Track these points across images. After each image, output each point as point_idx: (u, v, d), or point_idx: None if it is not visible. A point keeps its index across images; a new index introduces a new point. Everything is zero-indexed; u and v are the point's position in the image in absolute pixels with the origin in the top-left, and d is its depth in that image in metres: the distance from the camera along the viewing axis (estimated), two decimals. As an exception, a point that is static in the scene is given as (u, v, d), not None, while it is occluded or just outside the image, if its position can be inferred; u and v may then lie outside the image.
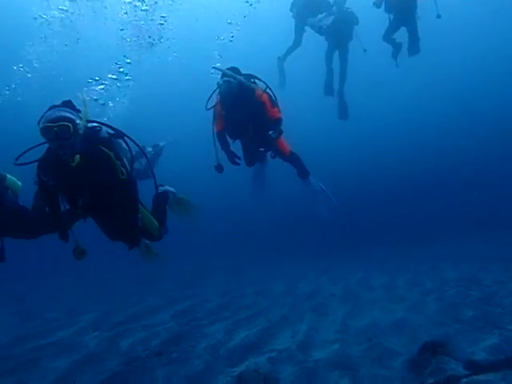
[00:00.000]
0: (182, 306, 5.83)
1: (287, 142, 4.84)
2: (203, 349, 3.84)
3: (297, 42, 9.14)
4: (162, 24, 9.23)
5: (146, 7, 8.94)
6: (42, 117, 2.69)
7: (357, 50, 8.78)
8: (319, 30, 8.42)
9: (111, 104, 7.58)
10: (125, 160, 2.98)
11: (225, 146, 4.70)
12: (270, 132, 4.37)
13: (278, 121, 4.49)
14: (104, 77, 7.24)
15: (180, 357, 3.68)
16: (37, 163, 2.82)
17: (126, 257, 4.29)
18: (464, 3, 16.41)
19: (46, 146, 2.82)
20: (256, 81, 4.56)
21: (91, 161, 2.73)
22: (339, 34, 8.39)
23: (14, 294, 7.61)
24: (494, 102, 21.27)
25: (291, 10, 8.83)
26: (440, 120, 21.51)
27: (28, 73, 9.42)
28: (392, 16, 7.94)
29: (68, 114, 2.70)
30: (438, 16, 7.58)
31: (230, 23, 8.53)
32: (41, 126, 2.65)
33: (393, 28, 8.12)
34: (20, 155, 2.78)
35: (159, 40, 9.35)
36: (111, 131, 2.97)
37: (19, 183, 3.44)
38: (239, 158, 4.76)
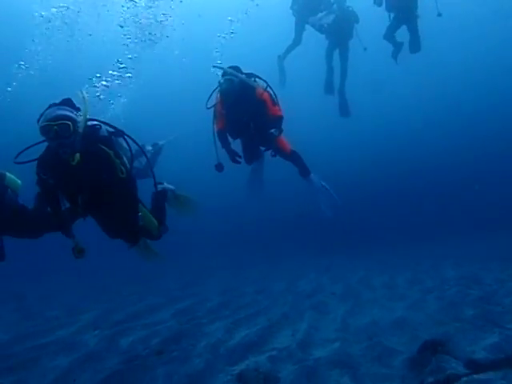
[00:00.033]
0: (182, 304, 5.83)
1: (287, 141, 4.84)
2: (203, 347, 3.84)
3: (297, 41, 9.13)
4: (162, 21, 9.20)
5: (150, 5, 8.94)
6: (42, 115, 2.68)
7: (357, 48, 8.77)
8: (320, 29, 8.41)
9: (112, 102, 7.57)
10: (124, 159, 2.98)
11: (226, 144, 4.70)
12: (272, 130, 4.37)
13: (280, 119, 4.50)
14: (105, 74, 7.21)
15: (180, 355, 3.68)
16: (36, 162, 2.82)
17: (126, 256, 4.29)
18: (464, 2, 16.38)
19: (46, 144, 2.81)
20: (257, 79, 4.56)
21: (91, 159, 2.72)
22: (340, 33, 8.38)
23: (14, 293, 7.62)
24: (495, 102, 21.25)
25: (292, 7, 8.81)
26: (440, 119, 21.49)
27: (30, 70, 9.40)
28: (392, 15, 7.92)
29: (68, 113, 2.69)
30: (439, 14, 7.56)
31: (230, 20, 8.51)
32: (40, 124, 2.65)
33: (394, 27, 8.11)
34: (19, 153, 2.77)
35: (160, 37, 9.34)
36: (111, 129, 2.97)
37: (19, 182, 3.43)
38: (240, 157, 4.77)
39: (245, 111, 4.41)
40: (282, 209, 16.52)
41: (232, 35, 8.29)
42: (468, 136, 20.66)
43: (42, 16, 9.46)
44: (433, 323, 4.09)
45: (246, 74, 4.49)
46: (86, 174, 2.74)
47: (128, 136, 3.02)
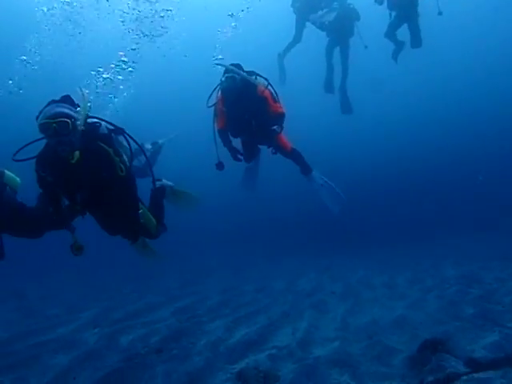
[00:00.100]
0: (182, 303, 5.83)
1: (288, 139, 4.84)
2: (203, 346, 3.85)
3: (297, 38, 9.11)
4: (162, 17, 9.17)
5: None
6: (41, 112, 2.67)
7: (358, 46, 8.75)
8: (321, 26, 8.39)
9: (112, 96, 7.53)
10: (124, 157, 2.96)
11: (227, 142, 4.70)
12: (275, 127, 4.37)
13: (282, 116, 4.52)
14: (107, 69, 7.18)
15: (180, 354, 3.68)
16: (35, 159, 2.80)
17: (126, 254, 4.29)
18: (465, 1, 16.32)
19: (44, 141, 2.80)
20: (257, 77, 4.55)
21: (90, 157, 2.70)
22: (341, 30, 8.36)
23: (15, 291, 7.62)
24: (495, 100, 21.21)
25: (292, 5, 8.79)
26: (441, 117, 21.46)
27: (32, 65, 9.36)
28: (393, 13, 7.91)
29: (67, 110, 2.67)
30: (440, 13, 7.54)
31: (231, 15, 8.47)
32: (39, 121, 2.63)
33: (395, 25, 8.09)
34: (18, 151, 2.75)
35: (161, 33, 9.32)
36: (111, 127, 2.95)
37: (18, 179, 3.41)
38: (242, 155, 4.76)
39: (246, 109, 4.41)
40: (282, 208, 16.52)
41: (232, 31, 8.25)
42: (469, 135, 20.62)
43: (44, 11, 9.44)
44: (433, 322, 4.09)
45: (247, 71, 4.48)
46: (85, 172, 2.73)
47: (128, 135, 3.01)
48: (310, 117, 17.85)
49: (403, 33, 8.20)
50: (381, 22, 8.14)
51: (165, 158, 6.60)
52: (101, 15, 10.83)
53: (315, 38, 8.95)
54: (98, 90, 6.87)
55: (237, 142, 4.86)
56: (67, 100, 2.77)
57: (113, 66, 7.31)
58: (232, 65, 4.41)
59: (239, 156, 4.74)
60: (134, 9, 9.14)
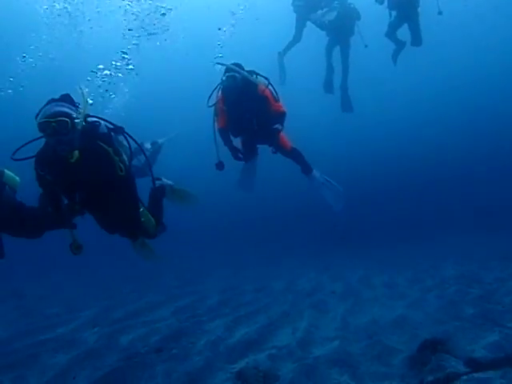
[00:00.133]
0: (182, 302, 5.83)
1: (288, 138, 4.83)
2: (203, 345, 3.84)
3: (297, 37, 9.10)
4: (164, 14, 9.14)
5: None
6: (40, 111, 2.66)
7: (358, 45, 8.74)
8: (321, 25, 8.39)
9: (113, 95, 7.52)
10: (124, 156, 2.95)
11: (227, 142, 4.69)
12: (276, 125, 4.37)
13: (283, 115, 4.53)
14: (108, 67, 7.17)
15: (180, 353, 3.68)
16: (34, 158, 2.79)
17: (126, 253, 4.28)
18: (465, 0, 16.30)
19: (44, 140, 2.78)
20: (258, 77, 4.55)
21: (89, 156, 2.69)
22: (341, 29, 8.36)
23: (14, 290, 7.62)
24: (495, 99, 21.20)
25: (293, 4, 8.78)
26: (441, 116, 21.45)
27: (33, 63, 9.35)
28: (394, 12, 7.90)
29: (66, 109, 2.66)
30: (440, 13, 7.55)
31: (232, 12, 8.47)
32: (38, 120, 2.62)
33: (395, 25, 8.09)
34: (16, 150, 2.74)
35: (161, 32, 9.31)
36: (110, 126, 2.94)
37: (17, 179, 3.40)
38: (242, 154, 4.76)
39: (247, 108, 4.41)
40: (282, 208, 16.51)
41: (232, 29, 8.25)
42: (469, 133, 20.62)
43: (44, 9, 9.43)
44: (433, 322, 4.09)
45: (247, 71, 4.48)
46: (85, 171, 2.71)
47: (127, 134, 3.00)
48: (310, 116, 17.83)
49: (403, 33, 8.20)
50: (381, 21, 8.13)
51: (165, 157, 6.59)
52: (101, 13, 10.82)
53: (315, 37, 8.95)
54: (98, 90, 6.86)
55: (236, 142, 4.85)
56: (67, 99, 2.76)
57: (113, 63, 7.30)
58: (233, 64, 4.40)
59: (240, 155, 4.73)
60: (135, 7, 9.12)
